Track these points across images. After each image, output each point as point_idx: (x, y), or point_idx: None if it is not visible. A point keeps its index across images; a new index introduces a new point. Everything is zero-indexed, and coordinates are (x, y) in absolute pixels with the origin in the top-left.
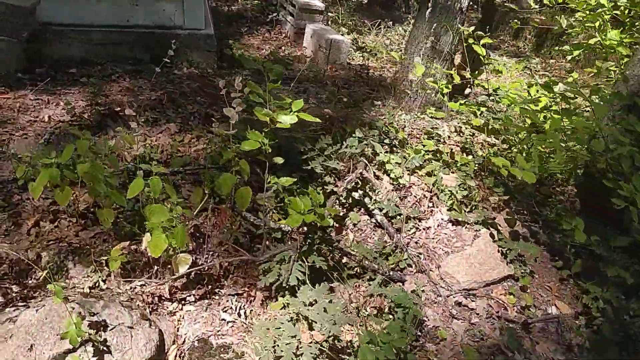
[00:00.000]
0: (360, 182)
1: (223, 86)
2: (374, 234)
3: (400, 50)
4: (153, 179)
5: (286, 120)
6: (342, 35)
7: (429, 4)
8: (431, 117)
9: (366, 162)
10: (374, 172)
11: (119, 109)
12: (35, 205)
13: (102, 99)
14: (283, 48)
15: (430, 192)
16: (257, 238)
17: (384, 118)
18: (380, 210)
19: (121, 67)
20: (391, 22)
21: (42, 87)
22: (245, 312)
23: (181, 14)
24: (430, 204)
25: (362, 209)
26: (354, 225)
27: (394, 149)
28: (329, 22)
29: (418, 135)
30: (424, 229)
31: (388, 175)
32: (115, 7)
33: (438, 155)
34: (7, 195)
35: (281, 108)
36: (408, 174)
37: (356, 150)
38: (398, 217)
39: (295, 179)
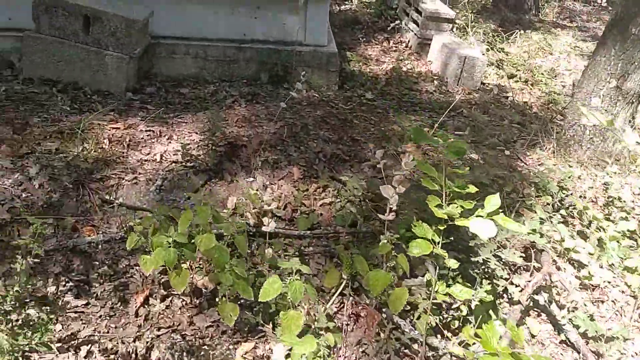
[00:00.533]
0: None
1: (380, 157)
2: (562, 356)
3: (542, 66)
4: (294, 284)
5: (482, 230)
6: (471, 45)
7: (617, 34)
8: (610, 176)
9: (552, 253)
10: (555, 261)
11: (236, 144)
12: (145, 276)
13: (217, 133)
14: (405, 61)
15: (636, 297)
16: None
17: (550, 173)
18: (576, 327)
19: (236, 88)
20: (522, 30)
21: (153, 112)
22: None
23: (303, 28)
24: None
25: (543, 314)
26: (532, 336)
27: (571, 223)
28: (454, 29)
29: (596, 201)
30: (634, 355)
31: (572, 265)
32: (233, 19)
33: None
34: (114, 259)
35: (460, 197)
36: (599, 266)
37: (539, 238)
38: (598, 336)
39: (472, 293)
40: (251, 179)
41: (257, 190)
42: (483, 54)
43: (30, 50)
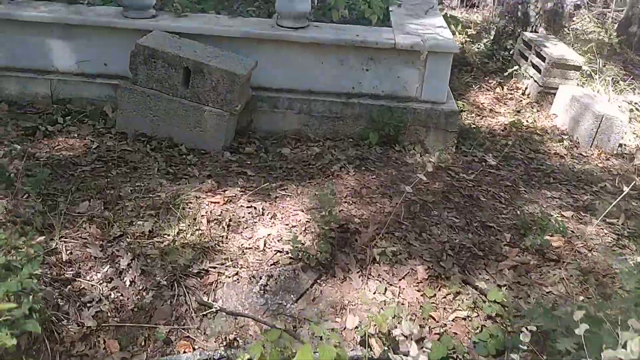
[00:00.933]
0: None
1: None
2: None
3: None
4: None
5: None
6: (595, 92)
7: None
8: None
9: None
10: None
11: (349, 228)
12: None
13: (326, 212)
14: (524, 113)
15: None
16: None
17: None
18: None
19: (342, 150)
20: None
21: (253, 179)
22: None
23: (419, 83)
24: None
25: None
26: None
27: None
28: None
29: None
30: None
31: None
32: (341, 70)
33: None
34: None
35: None
36: None
37: None
38: None
39: None
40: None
41: (374, 293)
42: (622, 111)
43: (125, 103)
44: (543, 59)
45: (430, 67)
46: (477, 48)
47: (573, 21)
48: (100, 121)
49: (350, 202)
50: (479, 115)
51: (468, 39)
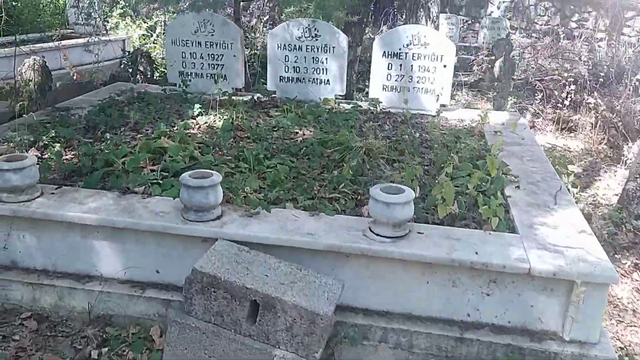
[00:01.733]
0: None
1: None
2: None
3: None
4: None
5: None
6: None
7: None
8: None
9: None
10: None
11: None
12: None
13: None
14: None
15: None
16: None
17: None
18: None
19: None
20: None
21: None
22: None
23: (562, 316)
24: None
25: None
26: None
27: None
28: None
29: None
30: None
31: None
32: (453, 293)
33: None
34: None
35: None
36: None
37: None
38: None
39: None
40: None
41: None
42: None
43: (175, 339)
44: None
45: (583, 300)
46: (595, 206)
47: None
48: (143, 353)
49: None
50: (619, 320)
51: (576, 187)
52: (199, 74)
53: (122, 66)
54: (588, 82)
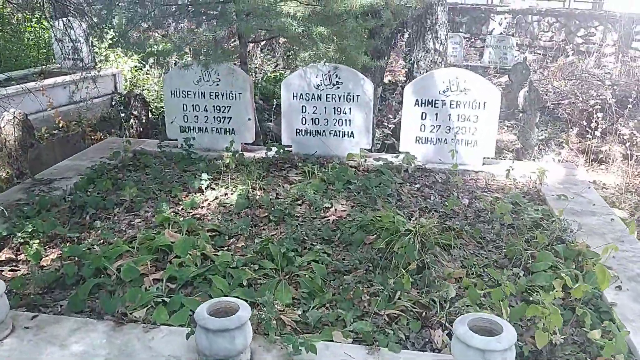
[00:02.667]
0: None
1: None
2: None
3: None
4: None
5: None
6: None
7: None
8: None
9: None
10: None
11: None
12: None
13: None
14: None
15: None
16: None
17: None
18: None
19: None
20: None
21: None
22: None
23: None
24: None
25: None
26: None
27: None
28: None
29: None
30: None
31: None
32: None
33: None
34: None
35: None
36: None
37: None
38: None
39: None
40: None
41: None
42: None
43: None
44: None
45: None
46: None
47: None
48: None
49: None
50: None
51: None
52: (203, 128)
53: (113, 105)
54: (614, 108)
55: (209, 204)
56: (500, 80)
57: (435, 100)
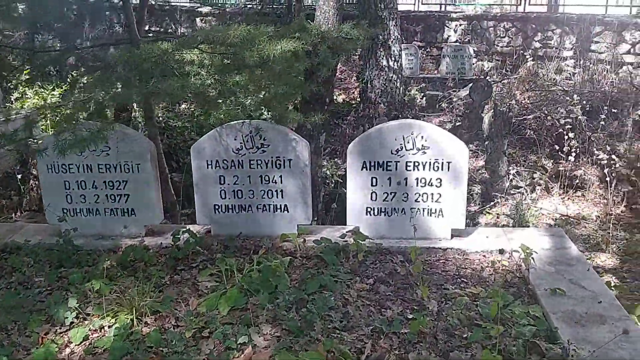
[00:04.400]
0: None
1: None
2: None
3: None
4: None
5: None
6: None
7: None
8: None
9: None
10: None
11: None
12: None
13: None
14: None
15: None
16: None
17: None
18: None
19: None
20: None
21: None
22: None
23: None
24: None
25: None
26: None
27: None
28: None
29: None
30: None
31: None
32: None
33: None
34: None
35: None
36: None
37: None
38: None
39: None
40: None
41: None
42: None
43: None
44: None
45: None
46: None
47: None
48: None
49: None
50: None
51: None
52: (92, 210)
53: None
54: (584, 124)
55: (72, 353)
56: (460, 94)
57: (388, 162)
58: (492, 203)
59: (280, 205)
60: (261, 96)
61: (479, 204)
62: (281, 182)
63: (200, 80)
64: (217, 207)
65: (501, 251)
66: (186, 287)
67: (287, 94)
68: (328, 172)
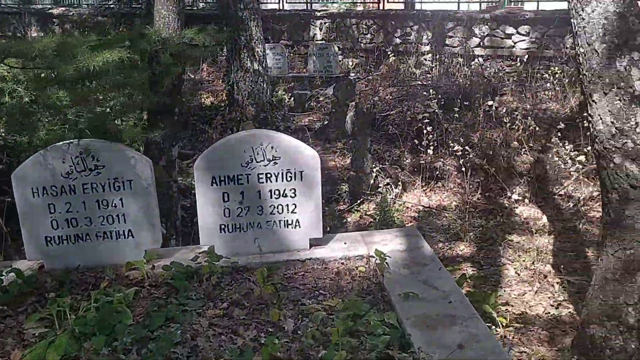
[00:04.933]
0: None
1: None
2: None
3: None
4: None
5: None
6: None
7: None
8: None
9: None
10: None
11: None
12: None
13: None
14: None
15: None
16: None
17: None
18: None
19: None
20: None
21: None
22: None
23: None
24: None
25: None
26: None
27: None
28: None
29: None
30: None
31: None
32: None
33: None
34: None
35: None
36: None
37: None
38: None
39: None
40: None
41: None
42: None
43: None
44: None
45: None
46: None
47: None
48: None
49: None
50: None
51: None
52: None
53: None
54: (441, 117)
55: None
56: (327, 92)
57: (239, 175)
58: (359, 201)
59: (123, 230)
60: (98, 111)
61: (347, 203)
62: (122, 206)
63: (15, 100)
64: (49, 239)
65: (360, 257)
66: (10, 337)
67: (126, 107)
68: (190, 182)
